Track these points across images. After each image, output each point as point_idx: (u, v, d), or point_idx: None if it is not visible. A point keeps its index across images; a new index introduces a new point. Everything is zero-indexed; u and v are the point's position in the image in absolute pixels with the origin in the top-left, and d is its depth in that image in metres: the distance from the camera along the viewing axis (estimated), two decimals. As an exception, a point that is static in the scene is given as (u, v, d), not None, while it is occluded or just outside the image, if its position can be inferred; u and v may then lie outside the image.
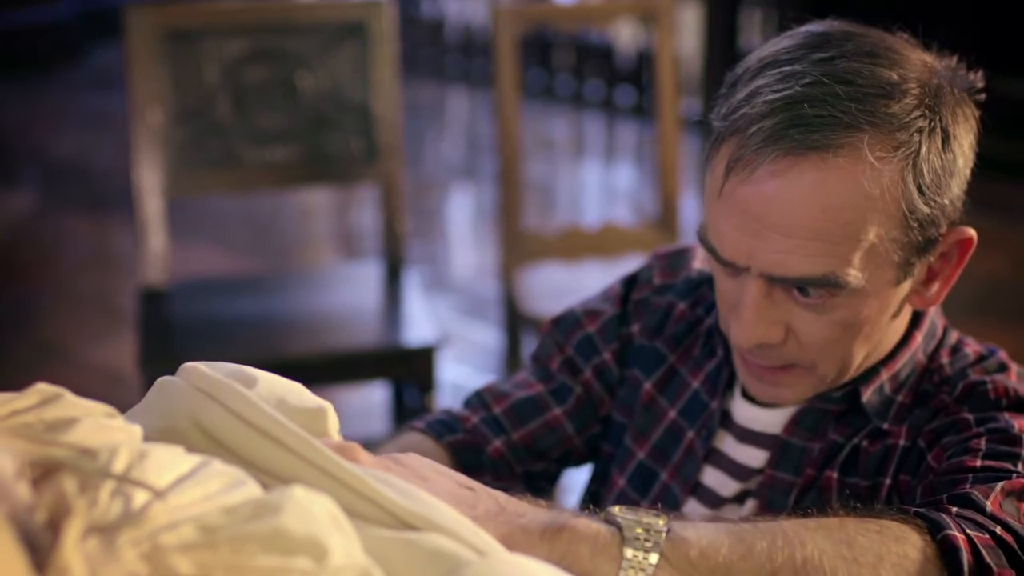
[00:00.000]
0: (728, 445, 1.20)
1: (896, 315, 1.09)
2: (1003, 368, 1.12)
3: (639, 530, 0.86)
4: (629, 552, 0.85)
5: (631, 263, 2.92)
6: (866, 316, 1.05)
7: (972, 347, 1.16)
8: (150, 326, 2.51)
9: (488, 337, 3.89)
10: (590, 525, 0.87)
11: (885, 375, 1.13)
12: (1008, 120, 5.26)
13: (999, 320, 3.74)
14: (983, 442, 1.03)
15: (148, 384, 2.61)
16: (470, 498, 0.87)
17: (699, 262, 1.31)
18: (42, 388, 0.76)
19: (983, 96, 1.09)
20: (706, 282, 1.28)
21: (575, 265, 2.97)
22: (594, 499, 1.32)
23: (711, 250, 1.07)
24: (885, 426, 1.11)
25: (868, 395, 1.12)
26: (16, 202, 5.39)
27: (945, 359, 1.14)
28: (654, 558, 0.85)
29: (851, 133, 0.98)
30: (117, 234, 4.78)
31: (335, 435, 0.87)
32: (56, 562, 0.61)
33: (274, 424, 0.79)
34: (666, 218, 2.88)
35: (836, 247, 1.00)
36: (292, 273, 4.06)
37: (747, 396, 1.20)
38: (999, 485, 0.98)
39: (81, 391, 0.79)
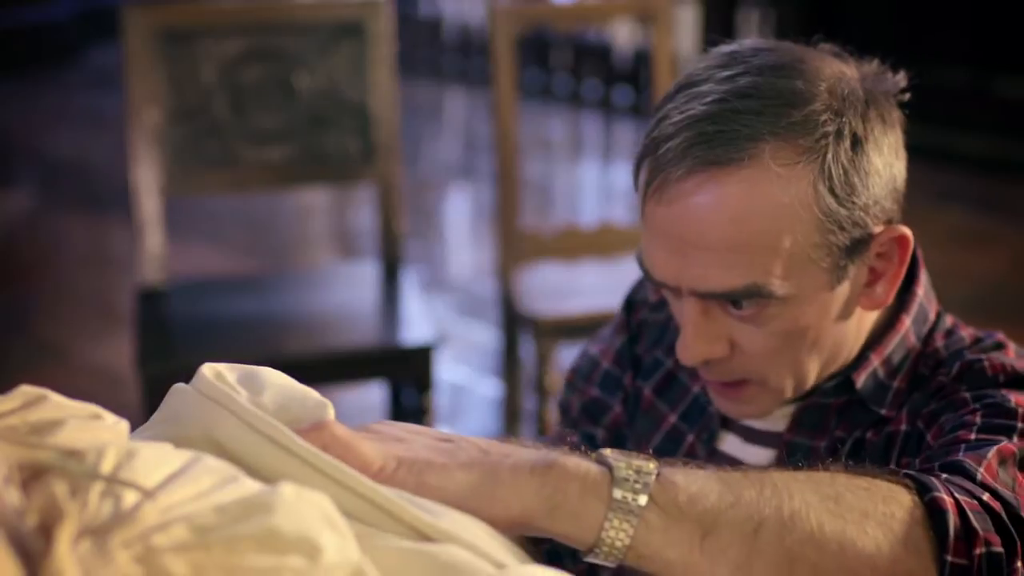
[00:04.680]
0: (733, 446, 1.21)
1: (846, 317, 1.10)
2: (1000, 347, 1.12)
3: (630, 471, 0.86)
4: (618, 492, 0.85)
5: (629, 263, 2.92)
6: (806, 324, 1.07)
7: (968, 331, 1.16)
8: (147, 326, 2.51)
9: (486, 337, 3.89)
10: (580, 464, 0.87)
11: (876, 360, 1.13)
12: (1007, 119, 5.28)
13: (999, 319, 3.73)
14: (978, 416, 1.04)
15: (146, 384, 2.60)
16: (450, 448, 0.87)
17: None
18: (25, 390, 0.76)
19: (907, 95, 1.11)
20: None
21: (573, 265, 2.97)
22: None
23: (646, 273, 1.10)
24: (884, 411, 1.12)
25: (861, 381, 1.12)
26: (13, 202, 5.39)
27: (940, 342, 1.15)
28: (643, 500, 0.85)
29: (753, 144, 1.01)
30: (114, 234, 4.78)
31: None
32: (50, 567, 0.61)
33: (279, 433, 0.79)
34: (664, 218, 2.88)
35: (754, 258, 1.02)
36: (289, 273, 4.05)
37: None
38: (992, 450, 0.98)
39: (79, 391, 0.79)
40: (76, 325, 4.05)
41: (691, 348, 1.08)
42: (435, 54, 7.23)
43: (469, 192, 5.59)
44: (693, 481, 0.88)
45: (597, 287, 2.88)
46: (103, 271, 4.58)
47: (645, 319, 1.32)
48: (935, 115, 4.62)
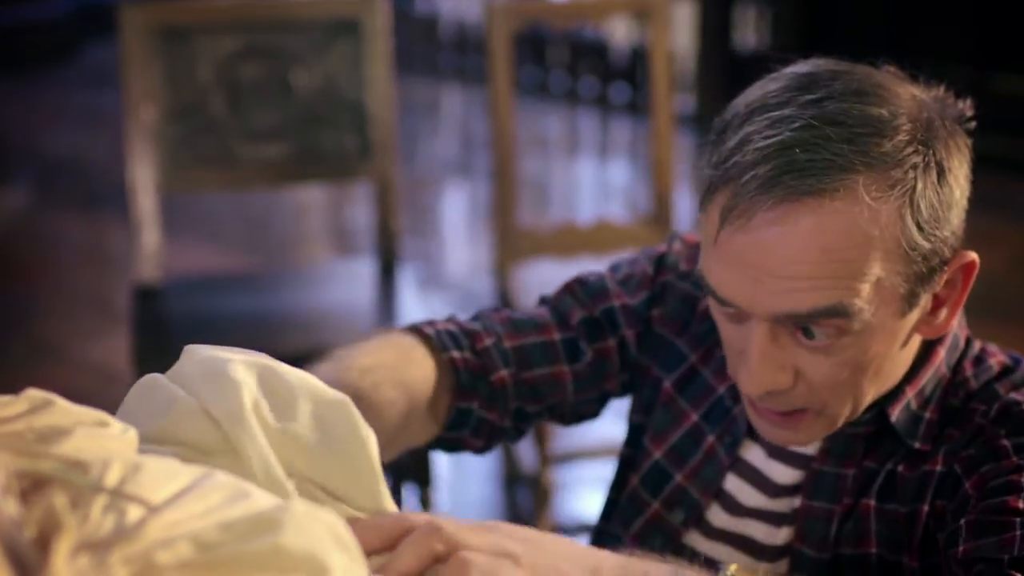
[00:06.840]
0: (757, 457, 1.19)
1: (905, 345, 1.08)
2: None
3: None
4: None
5: (626, 260, 2.92)
6: (875, 353, 1.04)
7: (996, 357, 1.15)
8: (144, 323, 2.51)
9: (483, 334, 3.88)
10: None
11: (910, 393, 1.12)
12: (1007, 117, 5.27)
13: (998, 318, 3.73)
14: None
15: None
16: (594, 564, 0.90)
17: None
18: (32, 395, 0.74)
19: (974, 124, 1.08)
20: None
21: (569, 262, 2.96)
22: (613, 507, 1.31)
23: (712, 292, 1.06)
24: (917, 445, 1.11)
25: (896, 415, 1.11)
26: (10, 200, 5.38)
27: (969, 371, 1.13)
28: None
29: (846, 175, 0.98)
30: (111, 231, 4.76)
31: (375, 456, 0.86)
32: None
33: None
34: (660, 215, 2.87)
35: (840, 281, 0.99)
36: (286, 270, 4.04)
37: None
38: None
39: (76, 389, 0.78)
40: (73, 323, 4.04)
41: (757, 377, 1.04)
42: (432, 51, 7.21)
43: (466, 189, 5.58)
44: None
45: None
46: (100, 269, 4.57)
47: (670, 283, 1.29)
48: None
